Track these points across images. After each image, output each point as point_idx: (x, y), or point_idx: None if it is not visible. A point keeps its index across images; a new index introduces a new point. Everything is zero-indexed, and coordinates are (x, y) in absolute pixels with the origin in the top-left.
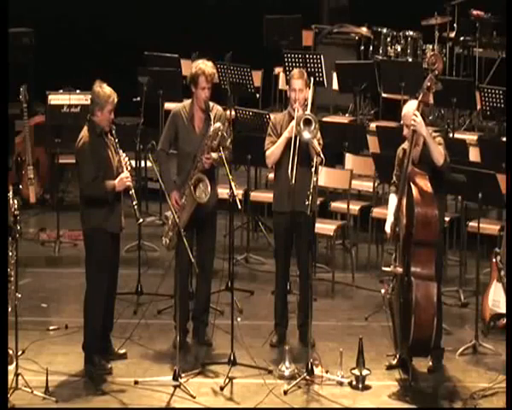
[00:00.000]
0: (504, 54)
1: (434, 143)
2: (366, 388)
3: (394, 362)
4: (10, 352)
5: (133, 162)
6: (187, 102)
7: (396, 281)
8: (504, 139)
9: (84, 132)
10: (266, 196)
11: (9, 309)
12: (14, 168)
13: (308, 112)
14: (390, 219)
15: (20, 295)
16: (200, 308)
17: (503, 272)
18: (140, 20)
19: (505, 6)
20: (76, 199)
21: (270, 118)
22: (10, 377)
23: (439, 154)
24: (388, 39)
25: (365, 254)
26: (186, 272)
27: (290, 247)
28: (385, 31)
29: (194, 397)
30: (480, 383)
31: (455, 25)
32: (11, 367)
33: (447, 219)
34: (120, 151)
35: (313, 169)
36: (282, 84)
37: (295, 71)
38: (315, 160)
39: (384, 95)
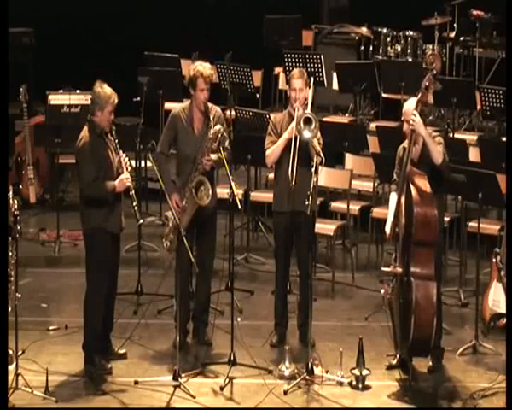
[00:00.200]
0: (504, 54)
1: (433, 143)
2: (366, 388)
3: (394, 362)
4: (10, 352)
5: (133, 162)
6: (186, 103)
7: (396, 281)
8: (504, 139)
9: (85, 132)
10: (266, 196)
11: (9, 309)
12: (14, 168)
13: (308, 111)
14: (390, 218)
15: (20, 295)
16: (200, 308)
17: (503, 272)
18: (140, 20)
19: (505, 6)
20: (76, 199)
21: (270, 118)
22: (10, 377)
23: (437, 153)
24: (388, 39)
25: (365, 254)
26: (186, 272)
27: (290, 247)
28: (385, 31)
29: (194, 397)
30: (479, 383)
31: (455, 25)
32: (11, 367)
33: (447, 219)
34: (120, 152)
35: (313, 169)
36: (282, 84)
37: (295, 70)
38: (315, 160)
39: (384, 95)
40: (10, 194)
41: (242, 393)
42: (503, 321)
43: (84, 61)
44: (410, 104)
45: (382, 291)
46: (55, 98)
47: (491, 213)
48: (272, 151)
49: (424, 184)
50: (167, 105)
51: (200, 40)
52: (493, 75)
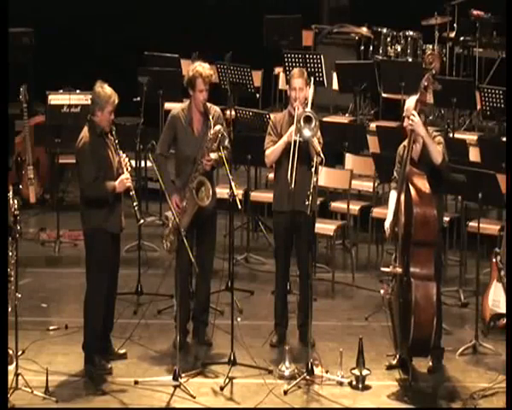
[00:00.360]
0: (504, 54)
1: (432, 143)
2: (366, 388)
3: (394, 362)
4: (10, 352)
5: (133, 162)
6: (185, 104)
7: (395, 281)
8: (504, 139)
9: (85, 132)
10: (266, 196)
11: (9, 309)
12: (14, 168)
13: (308, 109)
14: (390, 216)
15: (20, 295)
16: (200, 308)
17: (503, 272)
18: (140, 20)
19: (505, 6)
20: (76, 199)
21: (270, 118)
22: (10, 377)
23: (437, 153)
24: (388, 39)
25: (365, 254)
26: (186, 272)
27: (290, 247)
28: (385, 31)
29: (194, 397)
30: (479, 383)
31: (455, 25)
32: (11, 367)
33: (447, 219)
34: (120, 152)
35: (313, 169)
36: (282, 84)
37: (295, 70)
38: (315, 159)
39: (384, 95)
40: (10, 194)
41: (242, 393)
42: (503, 321)
43: (84, 61)
44: (412, 101)
45: (382, 291)
46: (55, 98)
47: (491, 213)
48: (272, 151)
49: (423, 184)
50: (167, 105)
51: (200, 40)
52: (493, 75)
